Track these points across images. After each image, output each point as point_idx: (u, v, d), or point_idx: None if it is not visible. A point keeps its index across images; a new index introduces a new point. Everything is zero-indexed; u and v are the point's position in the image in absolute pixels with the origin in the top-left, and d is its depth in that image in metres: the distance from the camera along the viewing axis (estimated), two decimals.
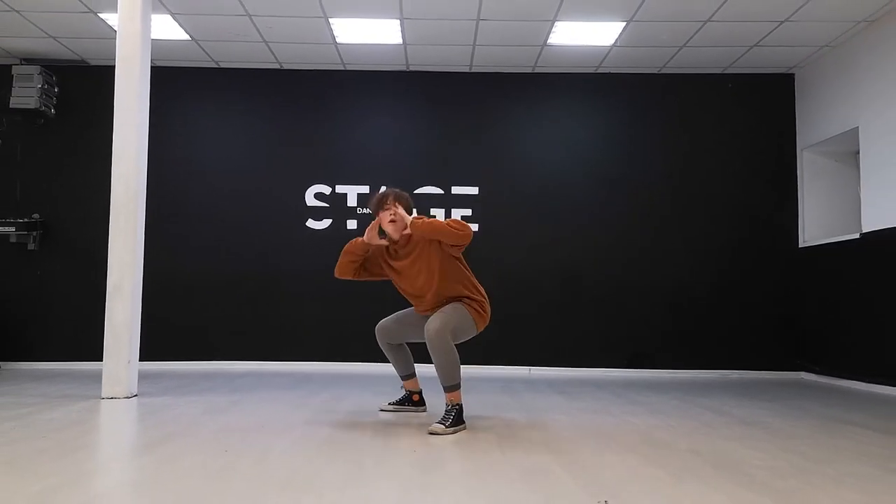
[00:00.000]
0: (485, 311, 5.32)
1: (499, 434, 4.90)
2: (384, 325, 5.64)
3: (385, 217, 5.31)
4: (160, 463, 3.94)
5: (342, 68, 9.52)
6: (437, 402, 5.68)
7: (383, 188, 5.50)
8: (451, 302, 5.25)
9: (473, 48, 8.77)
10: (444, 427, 4.90)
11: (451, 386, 5.09)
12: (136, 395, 6.49)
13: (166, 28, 8.24)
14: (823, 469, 3.98)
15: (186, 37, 8.53)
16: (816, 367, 8.82)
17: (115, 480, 3.75)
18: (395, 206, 5.31)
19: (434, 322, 5.04)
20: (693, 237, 9.35)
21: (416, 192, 9.05)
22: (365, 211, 9.31)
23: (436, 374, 5.11)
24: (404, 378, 5.81)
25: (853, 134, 8.36)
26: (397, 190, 5.47)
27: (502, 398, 6.74)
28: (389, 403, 5.90)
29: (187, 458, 4.05)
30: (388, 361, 5.80)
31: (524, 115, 9.53)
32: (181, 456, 4.10)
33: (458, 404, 5.08)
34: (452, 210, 9.31)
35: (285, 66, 9.50)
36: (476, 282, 5.42)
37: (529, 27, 8.18)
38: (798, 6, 7.56)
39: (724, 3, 7.51)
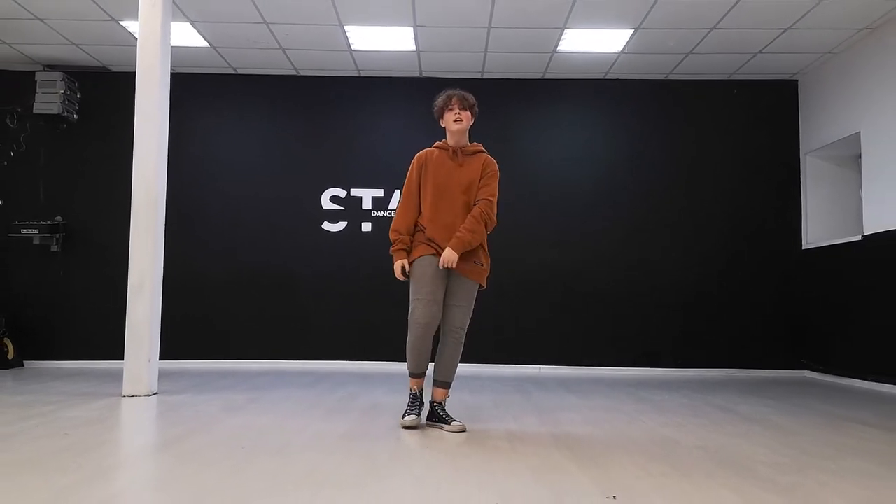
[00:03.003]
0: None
1: (510, 432, 4.91)
2: (430, 315, 4.99)
3: (450, 118, 5.15)
4: (180, 459, 3.96)
5: (357, 74, 9.53)
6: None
7: (447, 90, 5.23)
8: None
9: (485, 55, 8.77)
10: (461, 423, 4.98)
11: (451, 382, 5.13)
12: (156, 393, 6.52)
13: (186, 35, 8.27)
14: (826, 464, 3.97)
15: (205, 44, 8.56)
16: (820, 365, 8.79)
17: (136, 477, 3.76)
18: (462, 111, 5.14)
19: (460, 316, 5.04)
20: (699, 240, 9.33)
21: None
22: (379, 214, 9.33)
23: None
24: (423, 375, 5.16)
25: (855, 139, 8.33)
26: (461, 91, 5.22)
27: (513, 397, 6.72)
28: (417, 417, 5.09)
29: (206, 454, 4.06)
30: (406, 357, 5.13)
31: (534, 121, 9.52)
32: (200, 452, 4.11)
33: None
34: None
35: (302, 73, 9.52)
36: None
37: (540, 35, 8.17)
38: (801, 14, 7.53)
39: (730, 10, 7.49)
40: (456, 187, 5.08)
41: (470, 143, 5.26)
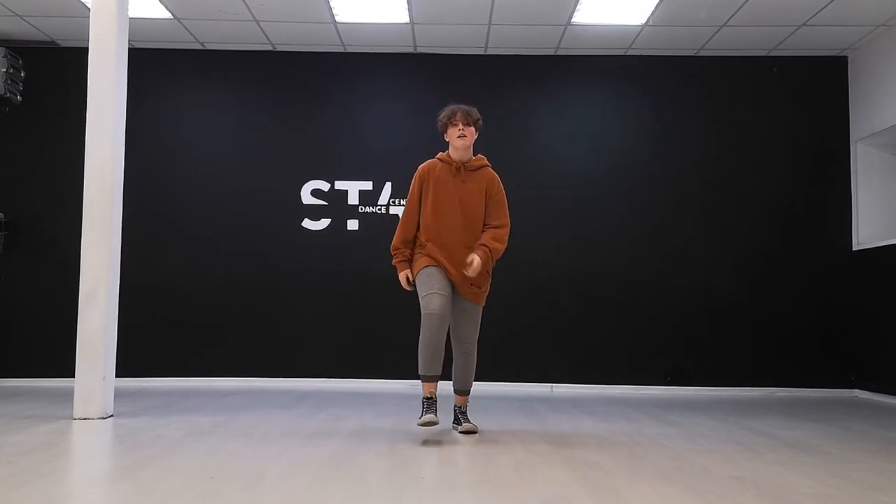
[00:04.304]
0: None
1: (517, 459, 4.90)
2: (444, 307, 5.63)
3: (454, 133, 5.79)
4: (137, 490, 3.96)
5: (342, 50, 9.53)
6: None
7: (451, 105, 5.91)
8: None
9: (489, 28, 8.77)
10: (473, 424, 5.91)
11: (469, 389, 6.00)
12: (111, 416, 6.50)
13: (145, 5, 8.23)
14: (880, 497, 3.97)
15: (168, 14, 8.55)
16: (873, 384, 8.79)
17: None
18: (466, 126, 5.77)
19: (469, 331, 5.85)
20: (732, 238, 9.32)
21: None
22: (367, 210, 9.32)
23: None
24: (436, 379, 5.71)
25: None
26: (465, 107, 5.84)
27: (521, 419, 6.74)
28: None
29: (168, 484, 4.06)
30: (416, 368, 5.73)
31: (545, 103, 9.52)
32: (161, 483, 4.11)
33: None
34: None
35: (278, 48, 9.52)
36: None
37: (551, 4, 8.16)
38: None
39: None
40: (457, 206, 5.79)
41: (474, 155, 5.95)
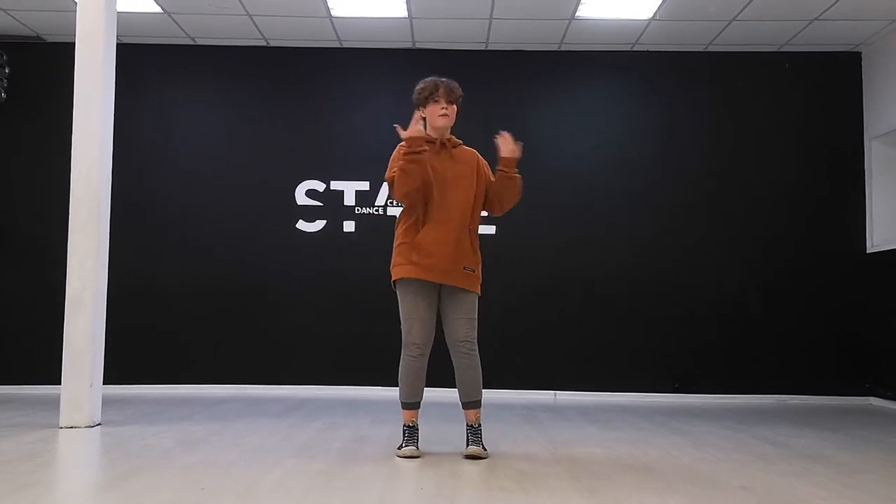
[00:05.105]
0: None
1: (519, 470, 4.89)
2: (425, 333, 5.35)
3: (435, 111, 5.38)
4: (124, 502, 3.95)
5: (338, 46, 9.53)
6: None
7: (433, 78, 5.45)
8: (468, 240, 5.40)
9: (490, 22, 8.77)
10: (483, 449, 5.29)
11: (479, 399, 5.43)
12: (99, 424, 6.49)
13: None
14: None
15: (158, 9, 8.54)
16: (889, 391, 8.76)
17: None
18: (449, 104, 5.38)
19: (464, 328, 5.35)
20: (742, 240, 9.30)
21: None
22: (364, 211, 9.31)
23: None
24: (418, 406, 5.47)
25: None
26: (448, 81, 5.45)
27: (523, 428, 6.72)
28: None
29: (157, 496, 4.06)
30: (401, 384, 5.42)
31: (548, 100, 9.51)
32: (150, 494, 4.10)
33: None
34: None
35: (272, 44, 9.52)
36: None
37: None
38: None
39: None
40: (451, 185, 5.38)
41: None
